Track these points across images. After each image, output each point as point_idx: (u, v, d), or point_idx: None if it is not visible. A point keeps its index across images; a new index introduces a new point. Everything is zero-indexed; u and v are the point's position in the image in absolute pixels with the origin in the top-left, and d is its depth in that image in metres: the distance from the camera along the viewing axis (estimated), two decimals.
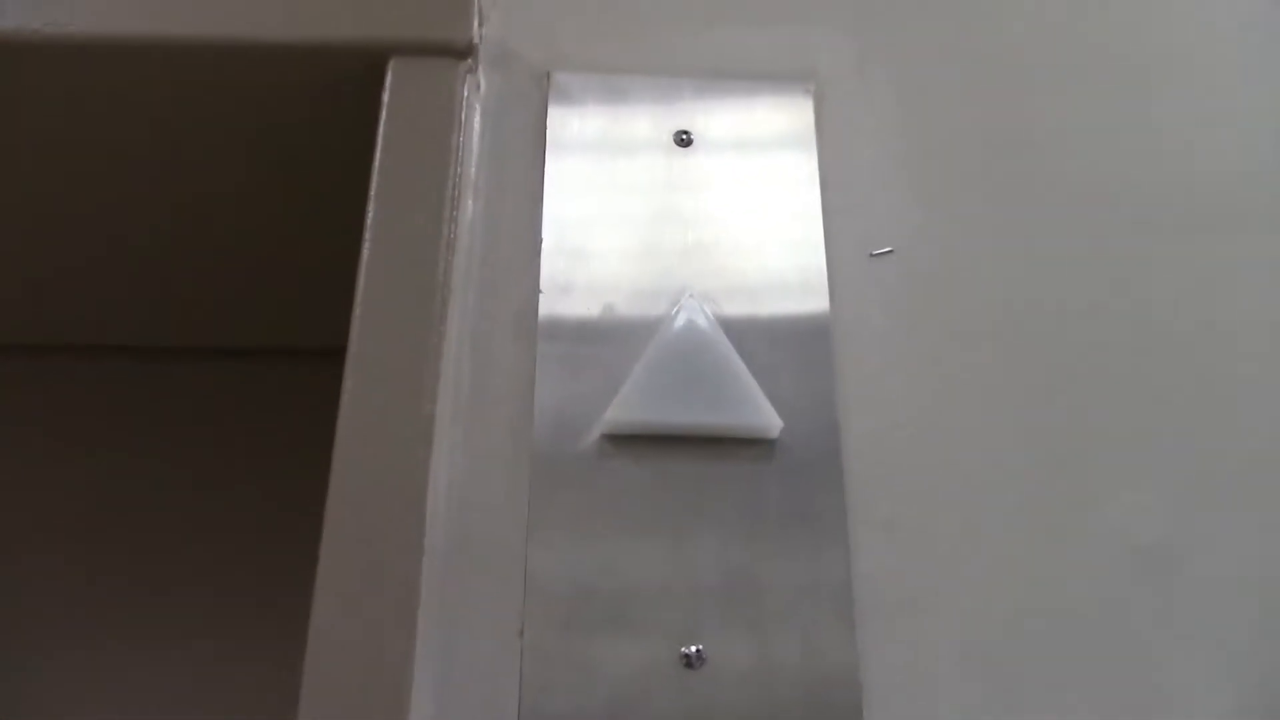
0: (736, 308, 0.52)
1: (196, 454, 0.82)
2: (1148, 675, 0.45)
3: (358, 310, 0.47)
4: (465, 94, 0.54)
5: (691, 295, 0.51)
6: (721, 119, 0.57)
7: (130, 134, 0.62)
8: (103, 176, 0.66)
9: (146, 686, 0.75)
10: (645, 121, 0.56)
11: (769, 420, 0.48)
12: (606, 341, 0.51)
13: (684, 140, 0.56)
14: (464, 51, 0.54)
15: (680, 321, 0.50)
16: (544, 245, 0.53)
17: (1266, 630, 0.47)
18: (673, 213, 0.54)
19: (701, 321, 0.50)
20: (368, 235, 0.49)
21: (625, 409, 0.48)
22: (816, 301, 0.52)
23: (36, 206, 0.69)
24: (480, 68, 0.56)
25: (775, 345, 0.51)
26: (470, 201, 0.53)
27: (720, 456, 0.48)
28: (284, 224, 0.68)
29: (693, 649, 0.45)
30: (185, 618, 0.76)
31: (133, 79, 0.57)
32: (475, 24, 0.55)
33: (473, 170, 0.54)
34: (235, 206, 0.67)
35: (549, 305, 0.51)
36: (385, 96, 0.53)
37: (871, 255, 0.54)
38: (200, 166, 0.63)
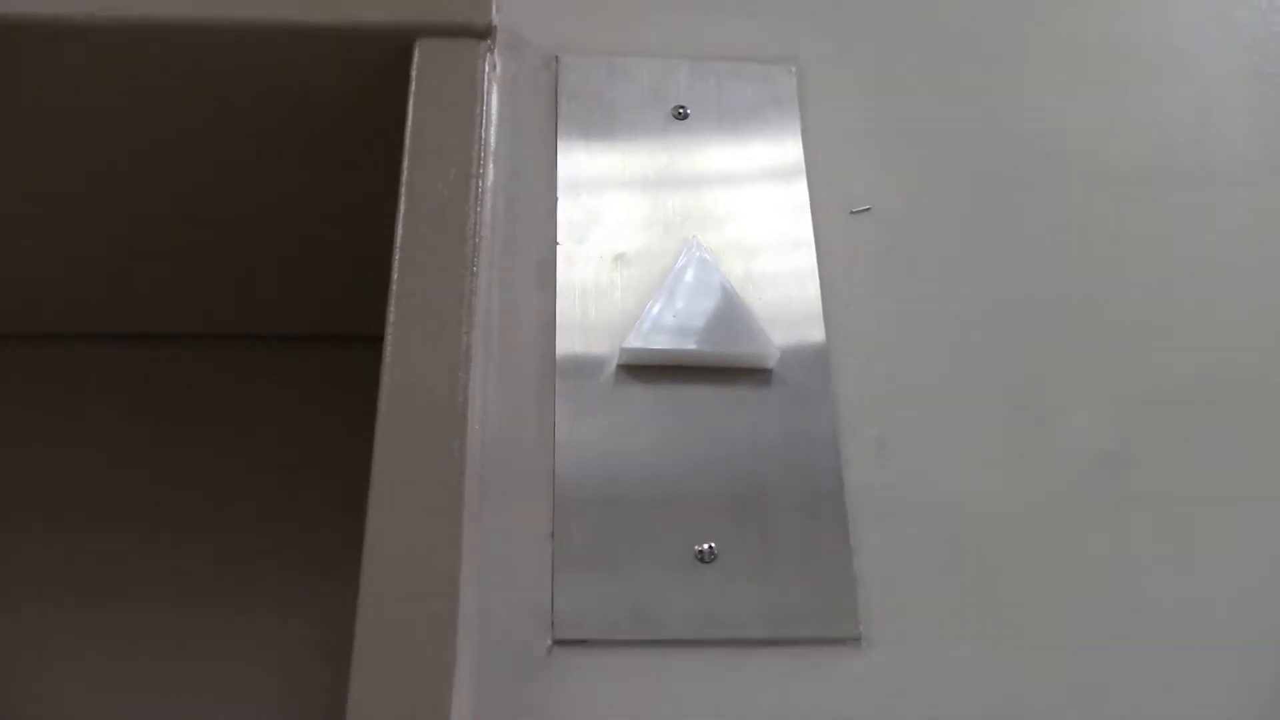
0: (733, 257, 0.58)
1: (216, 437, 0.86)
2: (1107, 560, 0.52)
3: (398, 255, 0.53)
4: (485, 71, 0.60)
5: (696, 243, 0.57)
6: (715, 96, 0.63)
7: (164, 116, 0.67)
8: (134, 159, 0.71)
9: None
10: (646, 97, 0.63)
11: (767, 349, 0.54)
12: (618, 285, 0.56)
13: (681, 114, 0.62)
14: (483, 33, 0.60)
15: (686, 265, 0.56)
16: (559, 203, 0.58)
17: (1208, 521, 0.53)
18: (673, 176, 0.60)
19: (705, 266, 0.56)
20: (404, 191, 0.55)
21: (640, 341, 0.54)
22: (804, 252, 0.59)
23: (67, 191, 0.74)
24: (496, 50, 0.62)
25: (769, 290, 0.57)
26: (492, 166, 0.59)
27: (725, 383, 0.54)
28: (311, 203, 0.73)
29: (705, 546, 0.50)
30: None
31: (170, 61, 0.62)
32: (493, 8, 0.61)
33: (493, 139, 0.59)
34: (264, 187, 0.72)
35: (566, 254, 0.57)
36: (414, 73, 0.58)
37: (852, 212, 0.60)
38: (232, 148, 0.68)
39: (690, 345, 0.54)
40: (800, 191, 0.61)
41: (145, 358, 0.88)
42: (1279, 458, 0.56)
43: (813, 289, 0.58)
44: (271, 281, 0.84)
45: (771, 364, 0.54)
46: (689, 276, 0.56)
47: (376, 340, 0.53)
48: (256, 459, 0.86)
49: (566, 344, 0.54)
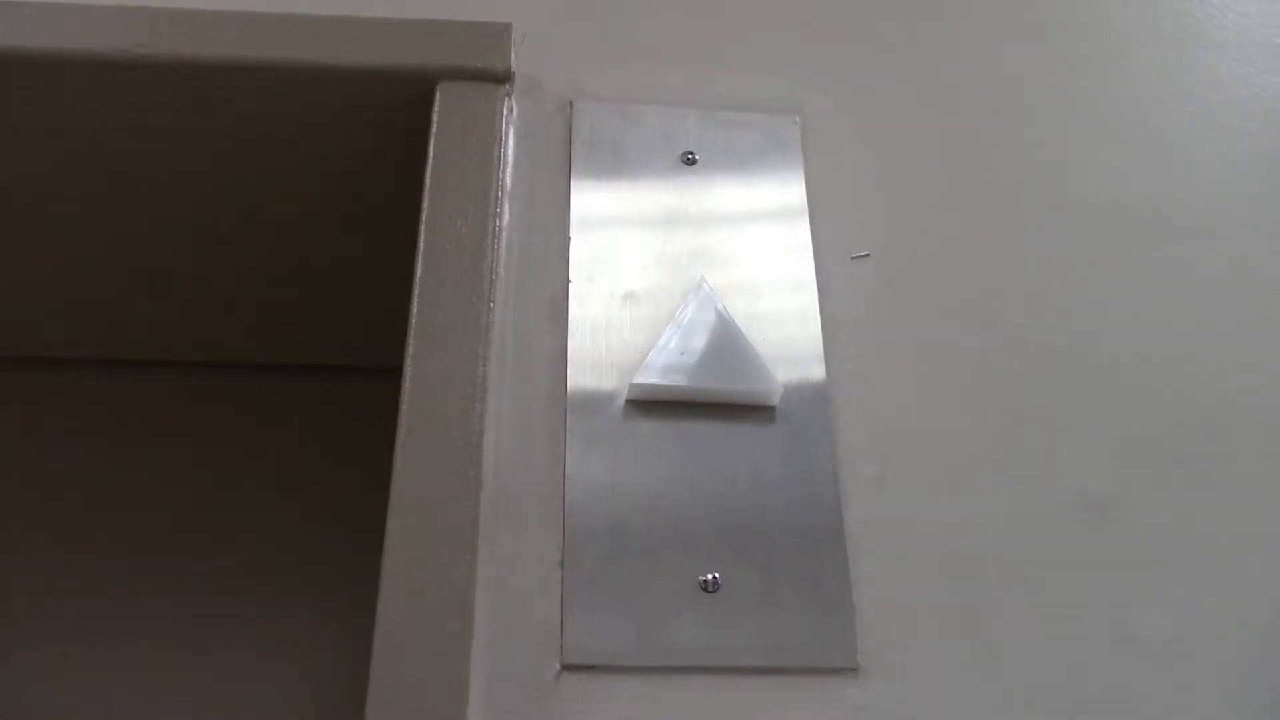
0: (739, 297, 0.60)
1: (229, 466, 0.87)
2: (1097, 594, 0.54)
3: (418, 290, 0.55)
4: (504, 114, 0.62)
5: (703, 283, 0.59)
6: (722, 143, 0.66)
7: (193, 150, 0.69)
8: (161, 192, 0.73)
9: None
10: (656, 143, 0.65)
11: (772, 386, 0.56)
12: (627, 322, 0.59)
13: (690, 160, 0.65)
14: (502, 78, 0.63)
15: (694, 305, 0.58)
16: (572, 243, 0.61)
17: (1192, 561, 0.55)
18: (682, 219, 0.63)
19: (713, 306, 0.58)
20: (424, 228, 0.57)
21: (648, 378, 0.56)
22: (806, 293, 0.61)
23: (90, 222, 0.76)
24: (514, 95, 0.64)
25: (772, 329, 0.59)
26: (507, 205, 0.61)
27: (730, 419, 0.56)
28: (332, 237, 0.75)
29: (709, 576, 0.52)
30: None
31: (200, 98, 0.65)
32: (512, 55, 0.63)
33: (508, 180, 0.62)
34: (287, 220, 0.74)
35: (578, 292, 0.59)
36: (435, 114, 0.61)
37: (852, 258, 0.63)
38: (257, 182, 0.71)
39: (696, 383, 0.56)
40: (803, 234, 0.63)
41: (163, 386, 0.89)
42: (1262, 496, 0.58)
43: (814, 328, 0.60)
44: (290, 313, 0.86)
45: (774, 401, 0.56)
46: (696, 315, 0.58)
47: (390, 372, 0.55)
48: (269, 488, 0.88)
49: (577, 379, 0.56)
